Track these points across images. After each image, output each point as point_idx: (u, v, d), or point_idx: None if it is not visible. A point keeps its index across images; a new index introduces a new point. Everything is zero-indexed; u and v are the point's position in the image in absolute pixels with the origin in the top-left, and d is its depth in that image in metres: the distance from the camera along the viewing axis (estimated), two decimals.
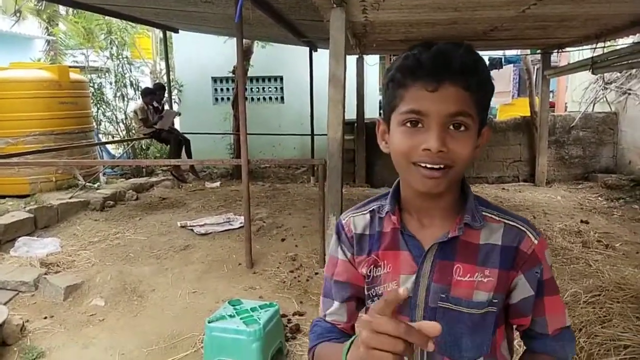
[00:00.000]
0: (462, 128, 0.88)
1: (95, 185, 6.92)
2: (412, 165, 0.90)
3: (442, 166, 0.88)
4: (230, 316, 2.76)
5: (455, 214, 0.98)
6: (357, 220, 1.06)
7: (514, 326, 1.04)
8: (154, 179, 8.05)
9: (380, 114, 0.94)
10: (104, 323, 3.43)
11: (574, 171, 8.35)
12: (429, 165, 0.88)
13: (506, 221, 0.98)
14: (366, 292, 1.04)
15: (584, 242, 4.99)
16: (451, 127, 0.88)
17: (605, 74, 8.12)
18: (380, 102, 10.11)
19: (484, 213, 0.98)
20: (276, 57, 9.78)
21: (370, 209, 1.06)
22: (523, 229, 0.97)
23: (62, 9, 11.94)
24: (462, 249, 0.96)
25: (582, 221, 5.71)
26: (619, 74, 8.04)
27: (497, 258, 0.95)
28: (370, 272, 1.02)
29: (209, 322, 2.69)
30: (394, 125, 0.92)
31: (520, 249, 0.96)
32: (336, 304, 1.08)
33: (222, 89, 10.68)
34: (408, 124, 0.89)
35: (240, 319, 2.73)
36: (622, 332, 2.62)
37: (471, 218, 0.96)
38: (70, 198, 6.19)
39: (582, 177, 8.27)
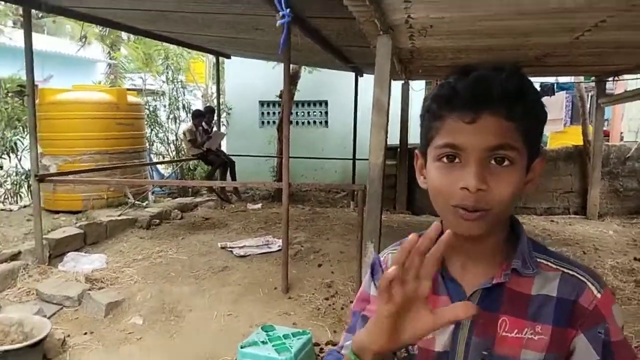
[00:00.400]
0: (506, 162, 0.79)
1: (144, 204, 7.16)
2: (451, 207, 0.81)
3: (479, 213, 0.79)
4: (263, 342, 2.76)
5: (503, 259, 0.87)
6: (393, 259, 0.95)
7: None
8: (198, 199, 8.26)
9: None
10: (141, 342, 3.51)
11: (628, 204, 7.93)
12: (464, 211, 0.79)
13: (564, 269, 0.86)
14: None
15: (637, 281, 4.71)
16: (493, 161, 0.79)
17: None
18: None
19: (538, 260, 0.87)
20: (322, 81, 9.92)
21: None
22: (583, 279, 0.84)
23: (124, 35, 12.62)
24: (509, 300, 0.85)
25: (635, 259, 5.39)
26: None
27: (552, 312, 0.83)
28: None
29: (241, 348, 2.71)
30: (430, 160, 0.85)
31: (579, 303, 0.83)
32: None
33: (268, 113, 10.91)
34: (444, 159, 0.81)
35: (273, 345, 2.73)
36: None
37: (521, 263, 0.85)
38: (119, 215, 6.42)
39: (637, 212, 7.83)
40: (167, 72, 10.28)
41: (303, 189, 9.43)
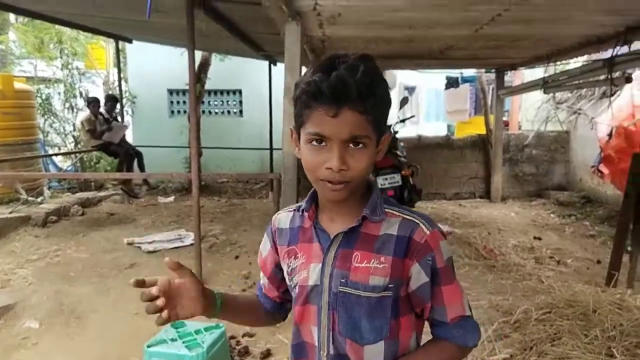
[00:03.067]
0: (360, 146, 1.01)
1: (38, 200, 6.55)
2: (318, 180, 1.04)
3: (342, 185, 1.02)
4: (172, 340, 2.57)
5: (360, 210, 1.09)
6: (281, 217, 1.23)
7: (425, 320, 1.15)
8: (102, 194, 7.72)
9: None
10: (37, 347, 3.18)
11: (527, 188, 8.54)
12: (329, 185, 1.02)
13: (404, 216, 1.10)
14: (288, 283, 1.19)
15: (536, 258, 5.05)
16: (351, 145, 1.00)
17: (556, 94, 8.39)
18: None
19: (386, 210, 1.11)
20: (235, 70, 9.64)
21: (297, 207, 1.20)
22: (417, 221, 1.08)
23: (11, 17, 11.47)
24: (361, 239, 1.09)
25: (535, 237, 5.79)
26: (569, 94, 8.32)
27: (392, 247, 1.06)
28: (290, 263, 1.16)
29: (147, 347, 2.50)
30: (303, 141, 1.04)
31: (413, 239, 1.06)
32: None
33: (178, 102, 10.41)
34: (314, 142, 1.01)
35: (183, 342, 2.56)
36: (570, 349, 2.60)
37: (370, 212, 1.08)
38: (10, 213, 5.84)
39: (536, 194, 8.46)
40: (61, 58, 9.44)
41: (219, 180, 9.14)
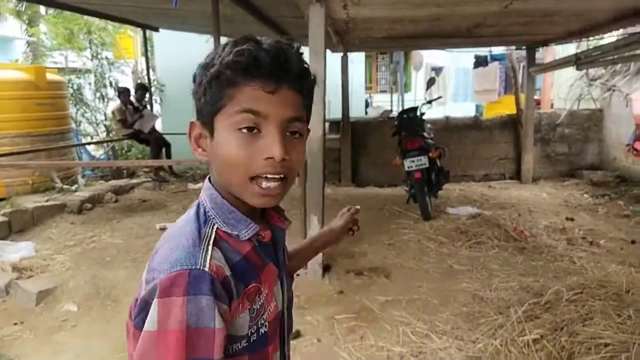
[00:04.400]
0: (297, 135, 0.84)
1: (73, 188, 6.76)
2: (249, 180, 0.82)
3: (282, 176, 0.82)
4: None
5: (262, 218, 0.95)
6: (218, 260, 0.79)
7: None
8: (134, 181, 7.89)
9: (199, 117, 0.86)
10: (76, 329, 3.31)
11: (559, 168, 8.34)
12: (269, 176, 0.81)
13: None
14: (245, 332, 0.83)
15: (568, 239, 4.95)
16: (288, 134, 0.82)
17: (590, 71, 8.12)
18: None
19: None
20: None
21: (215, 242, 0.81)
22: None
23: (42, 10, 11.74)
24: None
25: (567, 218, 5.67)
26: (603, 71, 8.04)
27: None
28: (254, 305, 0.84)
29: None
30: (223, 131, 0.81)
31: None
32: None
33: None
34: (244, 130, 0.79)
35: None
36: (602, 329, 2.56)
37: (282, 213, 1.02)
38: (46, 201, 6.03)
39: (568, 174, 8.26)
40: (90, 48, 9.62)
41: None
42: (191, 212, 0.88)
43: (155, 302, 0.73)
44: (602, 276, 3.15)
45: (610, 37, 6.36)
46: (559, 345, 2.51)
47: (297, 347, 2.98)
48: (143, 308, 0.75)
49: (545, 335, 2.62)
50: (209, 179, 0.91)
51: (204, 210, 0.87)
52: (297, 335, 3.11)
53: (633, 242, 4.86)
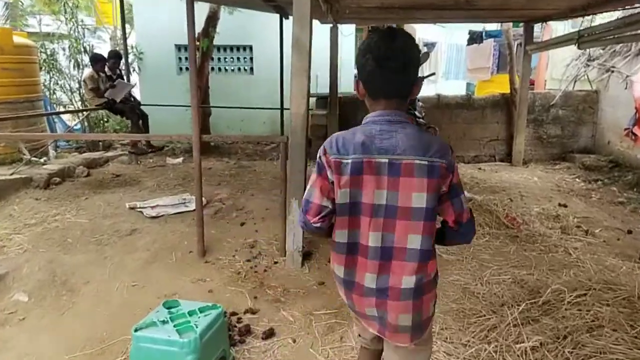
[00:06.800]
0: None
1: (42, 160, 6.34)
2: None
3: None
4: (163, 322, 2.33)
5: None
6: None
7: None
8: (110, 154, 7.49)
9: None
10: (24, 323, 2.97)
11: (551, 151, 8.10)
12: None
13: None
14: None
15: (562, 227, 4.70)
16: None
17: (588, 51, 7.80)
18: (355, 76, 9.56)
19: None
20: (245, 24, 9.16)
21: None
22: None
23: None
24: None
25: (560, 204, 5.44)
26: (602, 51, 7.72)
27: None
28: None
29: (135, 331, 2.27)
30: None
31: None
32: None
33: (187, 58, 10.00)
34: None
35: (175, 326, 2.31)
36: (615, 343, 2.27)
37: None
38: (11, 174, 5.63)
39: (560, 157, 8.03)
40: (65, 11, 9.01)
41: (220, 141, 8.83)
42: (412, 125, 1.58)
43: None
44: (608, 275, 2.87)
45: (611, 16, 6.02)
46: (562, 357, 2.24)
47: (270, 348, 2.69)
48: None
49: (546, 343, 2.34)
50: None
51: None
52: (271, 334, 2.82)
53: (630, 232, 4.64)
